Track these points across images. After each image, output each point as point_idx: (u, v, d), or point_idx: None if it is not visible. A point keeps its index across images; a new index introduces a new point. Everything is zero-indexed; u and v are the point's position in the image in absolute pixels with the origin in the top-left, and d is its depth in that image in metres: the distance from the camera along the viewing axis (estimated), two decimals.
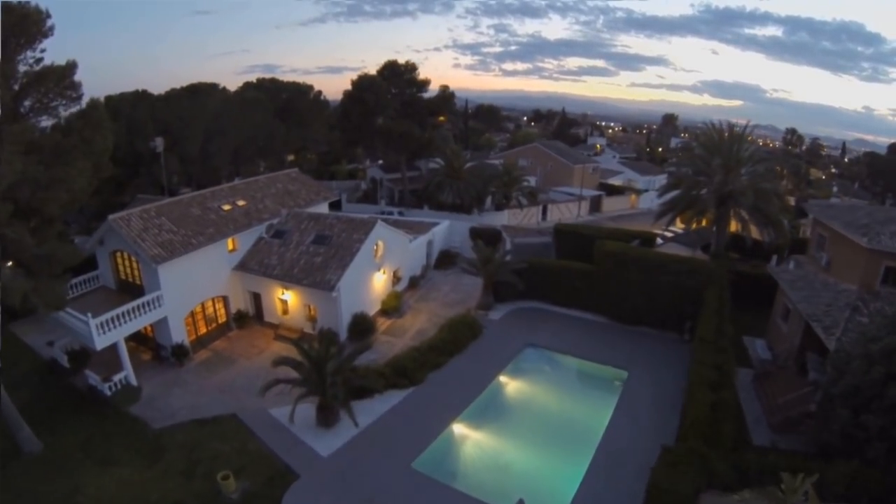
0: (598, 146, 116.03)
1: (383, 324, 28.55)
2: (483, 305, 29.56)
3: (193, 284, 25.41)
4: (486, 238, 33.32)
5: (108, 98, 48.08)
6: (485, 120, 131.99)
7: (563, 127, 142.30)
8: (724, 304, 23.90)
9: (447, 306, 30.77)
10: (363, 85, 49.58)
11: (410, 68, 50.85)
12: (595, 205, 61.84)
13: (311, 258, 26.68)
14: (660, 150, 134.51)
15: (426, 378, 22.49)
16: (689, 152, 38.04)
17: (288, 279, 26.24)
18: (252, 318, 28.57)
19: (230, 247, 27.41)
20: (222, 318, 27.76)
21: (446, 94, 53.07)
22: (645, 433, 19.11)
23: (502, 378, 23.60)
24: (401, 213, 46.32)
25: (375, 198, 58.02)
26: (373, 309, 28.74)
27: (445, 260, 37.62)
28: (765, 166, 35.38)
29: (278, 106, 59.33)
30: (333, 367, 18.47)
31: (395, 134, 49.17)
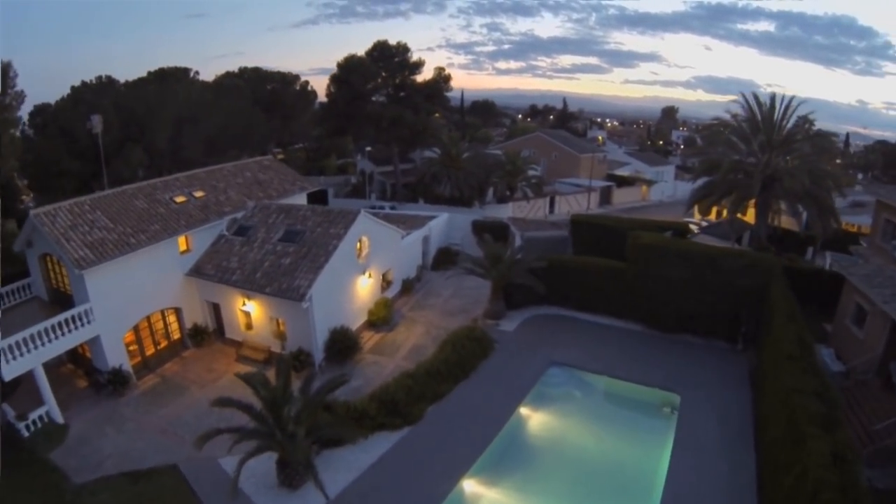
0: (599, 138, 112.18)
1: (370, 339, 23.56)
2: (492, 313, 24.59)
3: (135, 294, 20.57)
4: (493, 233, 28.51)
5: (73, 88, 43.81)
6: (481, 115, 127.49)
7: (562, 120, 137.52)
8: (794, 308, 19.13)
9: (448, 315, 25.99)
10: (350, 66, 45.05)
11: (402, 50, 46.18)
12: (605, 196, 58.06)
13: (278, 259, 21.58)
14: (661, 142, 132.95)
15: (425, 414, 17.38)
16: (723, 130, 33.26)
17: (249, 286, 21.16)
18: (212, 333, 23.56)
19: (182, 247, 22.50)
20: (175, 335, 22.81)
21: (442, 77, 48.02)
22: (720, 483, 14.58)
23: (523, 410, 18.45)
24: (393, 208, 41.47)
25: (365, 192, 53.37)
26: (357, 321, 23.70)
27: (445, 259, 32.59)
28: (813, 144, 30.56)
29: (263, 97, 55.16)
30: (296, 411, 13.28)
31: (385, 120, 44.43)
